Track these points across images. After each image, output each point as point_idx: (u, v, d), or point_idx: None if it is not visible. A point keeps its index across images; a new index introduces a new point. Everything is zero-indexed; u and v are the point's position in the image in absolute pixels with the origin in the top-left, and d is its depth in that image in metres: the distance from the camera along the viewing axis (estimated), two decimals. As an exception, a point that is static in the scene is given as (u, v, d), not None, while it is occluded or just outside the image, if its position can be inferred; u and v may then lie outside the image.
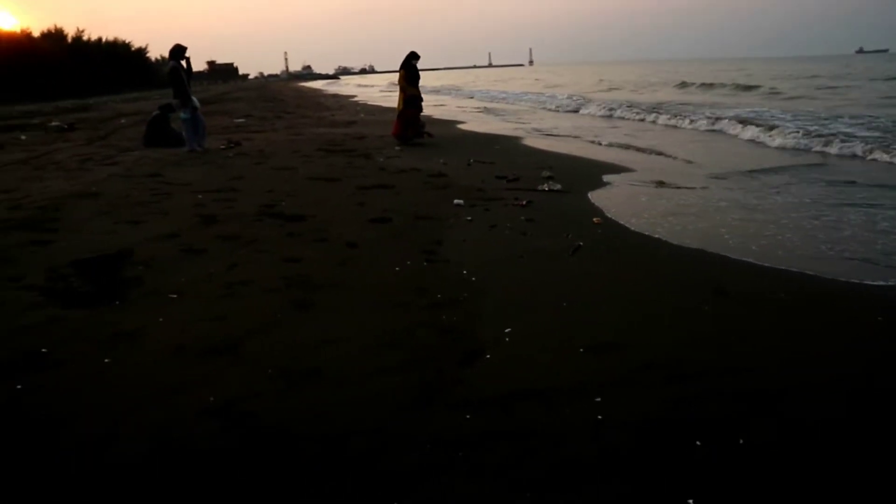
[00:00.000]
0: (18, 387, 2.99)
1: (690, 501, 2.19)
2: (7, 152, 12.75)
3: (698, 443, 2.51)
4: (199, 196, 7.51)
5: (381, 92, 48.68)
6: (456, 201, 7.02)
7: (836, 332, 3.57)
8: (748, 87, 28.89)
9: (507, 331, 3.58)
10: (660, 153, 11.21)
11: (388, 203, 7.06)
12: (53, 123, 19.64)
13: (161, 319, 3.82)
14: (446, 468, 2.38)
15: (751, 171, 8.98)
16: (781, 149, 11.45)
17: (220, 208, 6.84)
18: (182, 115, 11.65)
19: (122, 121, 21.35)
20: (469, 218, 6.32)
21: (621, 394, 2.87)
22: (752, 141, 12.70)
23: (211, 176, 9.07)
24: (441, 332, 3.59)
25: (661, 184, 8.11)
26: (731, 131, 14.00)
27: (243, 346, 3.42)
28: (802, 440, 2.53)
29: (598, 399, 2.82)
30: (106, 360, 3.28)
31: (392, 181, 8.44)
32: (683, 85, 34.00)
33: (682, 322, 3.71)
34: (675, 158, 10.56)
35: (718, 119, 15.45)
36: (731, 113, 16.68)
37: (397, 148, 12.20)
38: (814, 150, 11.01)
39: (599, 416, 2.69)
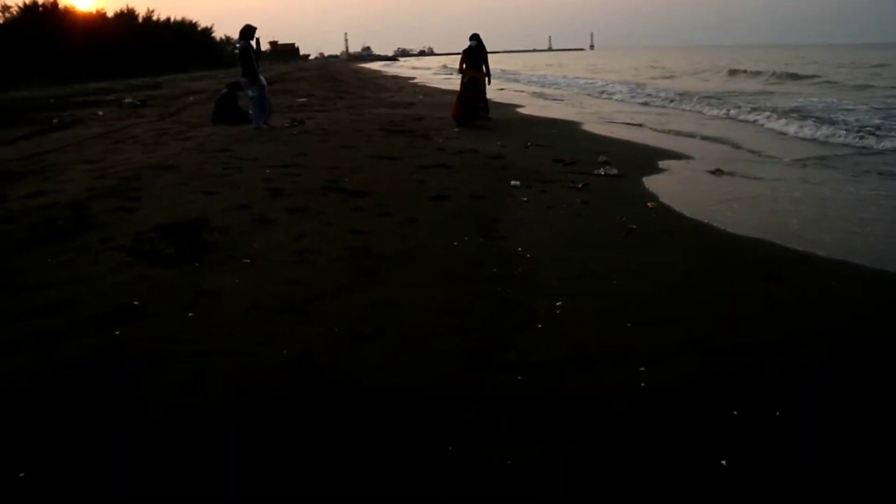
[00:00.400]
0: (116, 333, 3.35)
1: (723, 462, 2.36)
2: (87, 127, 13.50)
3: (735, 412, 2.67)
4: (267, 171, 7.88)
5: (435, 74, 48.85)
6: (513, 182, 7.20)
7: (885, 318, 3.64)
8: (810, 76, 27.74)
9: (558, 304, 3.78)
10: (720, 141, 11.09)
11: (447, 182, 7.28)
12: (127, 100, 20.56)
13: (237, 281, 4.15)
14: (495, 422, 2.61)
15: (814, 161, 8.85)
16: (838, 143, 11.16)
17: (287, 182, 7.19)
18: (250, 93, 12.11)
19: (191, 98, 22.15)
20: (525, 198, 6.50)
21: (663, 364, 3.04)
22: (811, 139, 12.40)
23: (277, 152, 9.46)
24: (496, 303, 3.81)
25: (718, 171, 8.08)
26: (790, 126, 13.64)
27: (313, 307, 3.71)
28: (836, 418, 2.66)
29: (642, 368, 3.00)
30: (189, 314, 3.62)
31: (451, 161, 8.66)
32: (755, 74, 32.93)
33: (727, 302, 3.84)
34: (737, 147, 10.46)
35: (777, 111, 15.08)
36: (793, 103, 16.27)
37: (456, 130, 12.39)
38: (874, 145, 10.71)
39: (642, 384, 2.87)
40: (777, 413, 2.66)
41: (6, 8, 43.35)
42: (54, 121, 14.87)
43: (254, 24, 12.23)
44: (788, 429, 2.56)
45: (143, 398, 2.78)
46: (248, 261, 4.54)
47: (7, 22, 42.66)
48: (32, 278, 4.06)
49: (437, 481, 2.26)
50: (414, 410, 2.69)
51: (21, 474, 2.26)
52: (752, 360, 3.10)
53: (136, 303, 3.73)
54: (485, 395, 2.80)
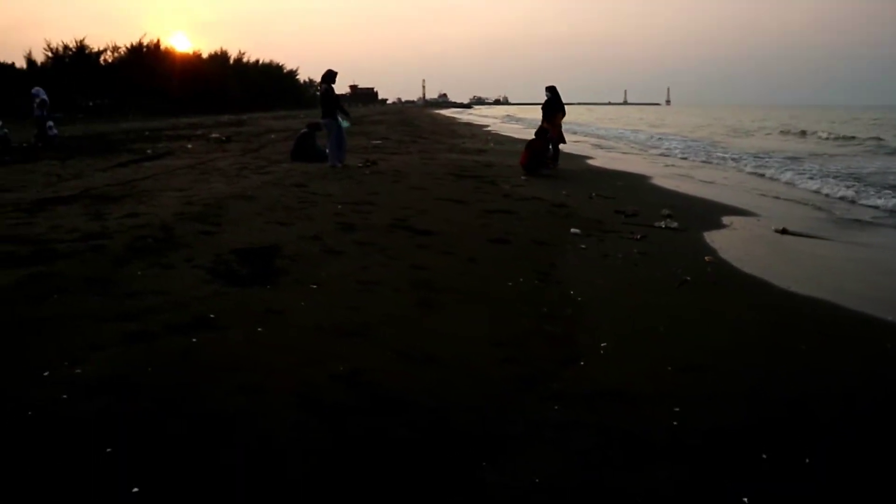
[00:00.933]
0: (193, 340, 3.69)
1: (745, 500, 2.46)
2: (178, 158, 14.49)
3: (764, 456, 2.75)
4: (339, 206, 8.32)
5: (503, 123, 49.62)
6: (573, 230, 7.38)
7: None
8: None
9: (602, 345, 3.93)
10: (786, 200, 10.98)
11: (509, 227, 7.52)
12: (214, 135, 21.86)
13: (303, 303, 4.47)
14: (531, 443, 2.79)
15: (884, 225, 8.67)
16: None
17: (358, 218, 7.58)
18: (344, 123, 12.98)
19: (272, 136, 23.32)
20: (583, 246, 6.67)
21: (699, 407, 3.15)
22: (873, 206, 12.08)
23: (350, 190, 9.94)
24: (543, 339, 3.99)
25: (784, 231, 8.03)
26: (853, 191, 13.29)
27: (371, 332, 3.98)
28: (861, 474, 2.71)
29: (677, 409, 3.11)
30: (258, 329, 3.95)
31: (515, 207, 8.91)
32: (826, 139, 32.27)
33: (772, 355, 3.89)
34: (806, 205, 10.34)
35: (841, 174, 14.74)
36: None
37: (523, 177, 12.67)
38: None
39: (675, 422, 2.99)
40: (806, 460, 2.74)
41: (115, 48, 46.85)
42: (148, 151, 16.00)
43: (335, 70, 13.06)
44: (814, 474, 2.63)
45: (212, 397, 3.08)
46: (315, 286, 4.87)
47: (115, 60, 46.01)
48: (124, 287, 4.49)
49: (466, 491, 2.45)
50: (455, 425, 2.89)
51: (108, 449, 2.58)
52: (788, 412, 3.17)
53: (211, 315, 4.09)
54: (524, 420, 2.98)
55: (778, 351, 3.98)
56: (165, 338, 3.67)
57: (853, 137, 28.36)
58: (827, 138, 29.49)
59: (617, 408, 3.11)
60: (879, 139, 26.93)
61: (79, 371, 3.20)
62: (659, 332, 4.21)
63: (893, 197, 11.08)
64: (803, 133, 33.24)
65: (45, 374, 3.16)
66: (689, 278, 5.53)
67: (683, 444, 2.81)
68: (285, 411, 2.97)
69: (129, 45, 47.06)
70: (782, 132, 35.36)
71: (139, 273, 4.86)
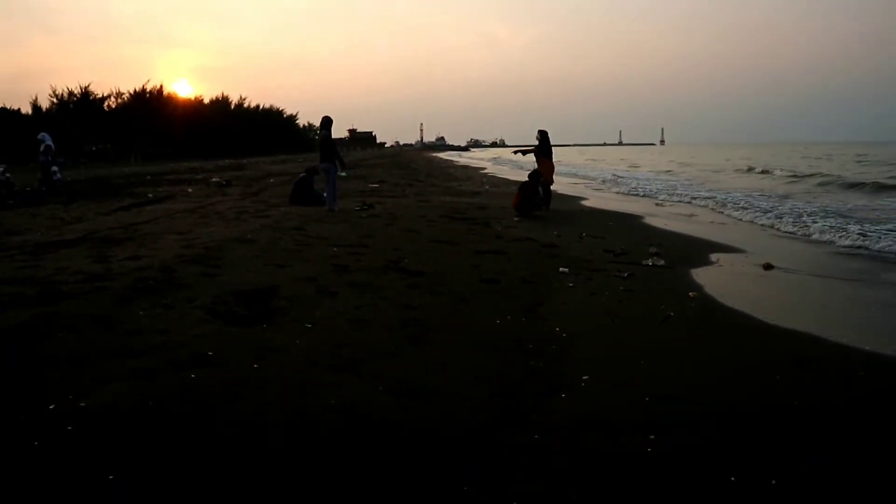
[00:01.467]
0: (192, 376, 3.87)
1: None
2: (179, 202, 14.79)
3: (732, 479, 2.92)
4: (335, 248, 8.55)
5: (494, 164, 50.32)
6: (562, 269, 7.60)
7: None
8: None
9: (584, 378, 4.11)
10: (773, 237, 11.23)
11: (499, 267, 7.74)
12: (214, 180, 22.26)
13: (298, 341, 4.65)
14: (507, 468, 2.96)
15: (871, 260, 8.90)
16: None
17: (352, 260, 7.79)
18: (342, 173, 13.37)
19: (272, 180, 23.71)
20: (571, 284, 6.88)
21: (673, 434, 3.32)
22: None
23: (346, 233, 10.18)
24: (527, 373, 4.19)
25: (768, 266, 8.25)
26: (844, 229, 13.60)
27: (363, 366, 4.17)
28: (829, 489, 2.88)
29: (652, 436, 3.28)
30: (255, 366, 4.12)
31: (506, 248, 9.15)
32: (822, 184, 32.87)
33: (747, 385, 4.08)
34: (793, 238, 10.60)
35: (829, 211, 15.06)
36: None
37: (516, 219, 12.95)
38: None
39: (648, 449, 3.16)
40: (773, 481, 2.90)
41: (119, 94, 47.76)
42: (149, 195, 16.33)
43: (331, 116, 13.56)
44: (782, 493, 2.80)
45: (212, 428, 3.25)
46: (311, 325, 5.06)
47: (118, 106, 46.83)
48: (128, 326, 4.68)
49: (452, 512, 2.62)
50: (439, 449, 3.07)
51: (110, 476, 2.74)
52: (760, 438, 3.34)
53: (210, 353, 4.26)
54: (506, 445, 3.15)
55: (751, 382, 4.16)
56: (166, 374, 3.85)
57: (813, 174, 29.16)
58: (782, 174, 30.94)
59: (594, 436, 3.28)
60: (823, 174, 27.87)
61: (83, 404, 3.37)
62: (639, 365, 4.39)
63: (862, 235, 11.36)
64: (765, 171, 34.25)
65: (51, 407, 3.34)
66: (672, 314, 5.73)
67: (655, 469, 2.98)
68: (281, 443, 3.14)
69: (132, 91, 48.02)
70: (748, 170, 36.42)
71: (141, 313, 5.04)
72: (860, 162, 43.43)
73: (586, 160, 65.26)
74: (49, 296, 5.40)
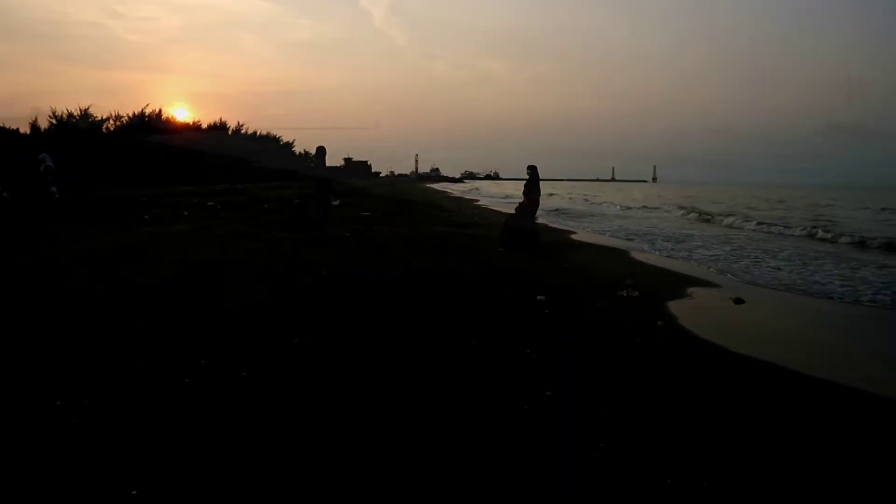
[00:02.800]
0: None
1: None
2: (175, 224, 15.17)
3: (668, 481, 3.29)
4: (324, 272, 8.95)
5: (484, 197, 51.04)
6: (539, 297, 7.99)
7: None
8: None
9: (547, 393, 4.49)
10: (747, 272, 11.72)
11: (482, 290, 8.13)
12: (209, 203, 22.66)
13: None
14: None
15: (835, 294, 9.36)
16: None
17: (341, 284, 8.19)
18: (335, 202, 13.80)
19: (265, 206, 24.12)
20: (546, 311, 7.27)
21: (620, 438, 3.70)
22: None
23: (336, 257, 10.59)
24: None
25: (739, 300, 8.68)
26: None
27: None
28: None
29: (602, 445, 3.65)
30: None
31: (490, 275, 9.55)
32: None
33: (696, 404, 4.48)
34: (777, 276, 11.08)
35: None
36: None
37: (501, 250, 13.33)
38: None
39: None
40: (704, 484, 3.27)
41: (118, 117, 48.43)
42: (145, 217, 16.70)
43: (325, 146, 14.13)
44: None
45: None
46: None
47: (117, 128, 47.43)
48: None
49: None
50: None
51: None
52: (694, 448, 3.72)
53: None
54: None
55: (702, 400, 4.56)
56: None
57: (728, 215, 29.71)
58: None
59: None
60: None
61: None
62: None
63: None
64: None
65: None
66: (639, 340, 6.13)
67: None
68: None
69: (130, 115, 48.64)
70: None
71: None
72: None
73: (569, 197, 66.13)
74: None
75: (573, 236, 18.35)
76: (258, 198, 29.91)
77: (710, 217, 29.66)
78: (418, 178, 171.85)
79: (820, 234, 20.91)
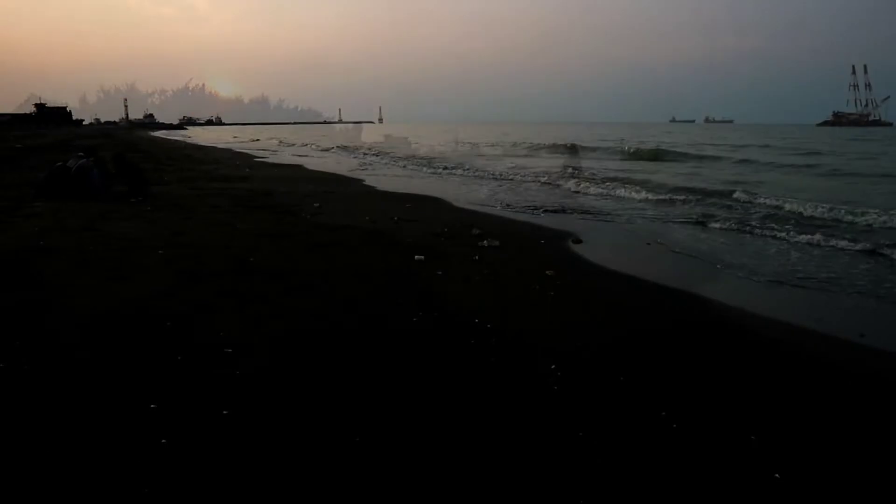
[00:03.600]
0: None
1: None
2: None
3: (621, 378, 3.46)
4: (160, 252, 7.65)
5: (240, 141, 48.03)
6: (417, 257, 7.73)
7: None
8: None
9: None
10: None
11: (354, 260, 7.54)
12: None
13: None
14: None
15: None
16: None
17: (193, 265, 7.04)
18: None
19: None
20: (440, 272, 7.06)
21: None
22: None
23: (149, 231, 9.12)
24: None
25: (577, 241, 9.34)
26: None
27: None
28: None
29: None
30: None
31: (338, 238, 8.95)
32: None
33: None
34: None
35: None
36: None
37: (316, 205, 12.60)
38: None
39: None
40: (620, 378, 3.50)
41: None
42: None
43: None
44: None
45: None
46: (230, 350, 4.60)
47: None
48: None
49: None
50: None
51: None
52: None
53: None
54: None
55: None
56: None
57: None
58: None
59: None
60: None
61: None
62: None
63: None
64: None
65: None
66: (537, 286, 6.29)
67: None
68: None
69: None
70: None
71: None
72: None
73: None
74: None
75: (366, 183, 18.02)
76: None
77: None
78: (131, 125, 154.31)
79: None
